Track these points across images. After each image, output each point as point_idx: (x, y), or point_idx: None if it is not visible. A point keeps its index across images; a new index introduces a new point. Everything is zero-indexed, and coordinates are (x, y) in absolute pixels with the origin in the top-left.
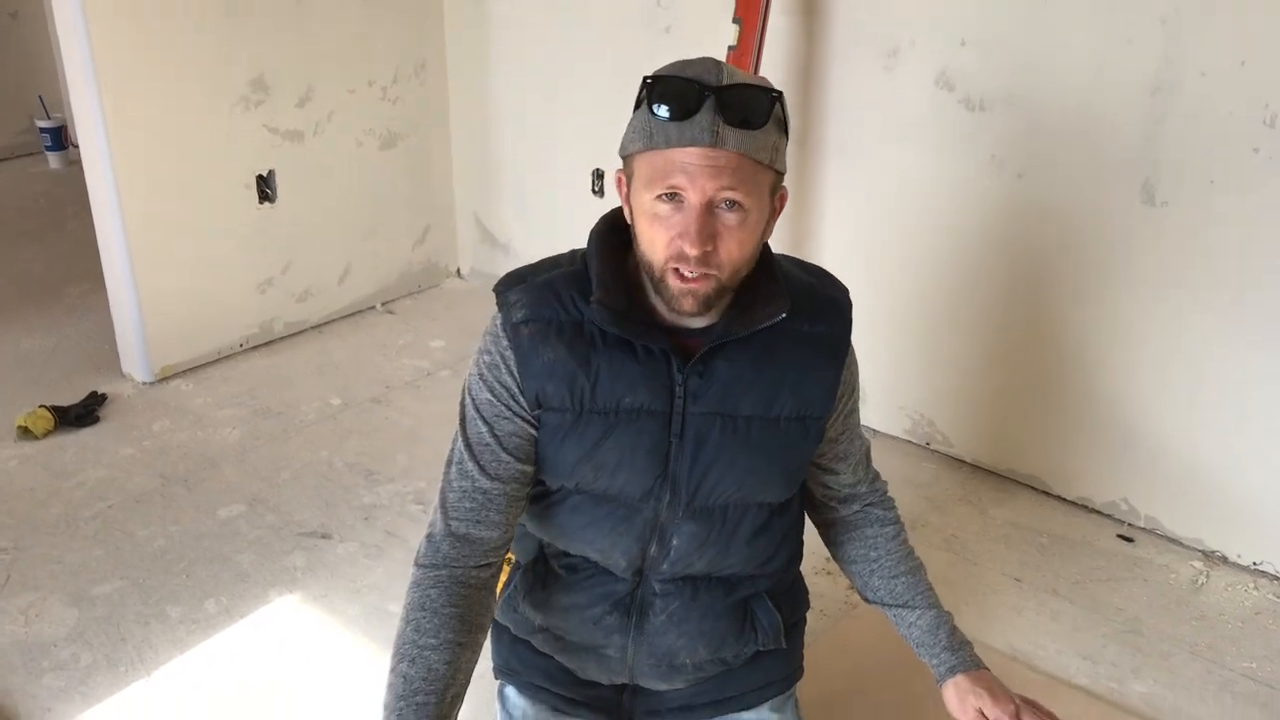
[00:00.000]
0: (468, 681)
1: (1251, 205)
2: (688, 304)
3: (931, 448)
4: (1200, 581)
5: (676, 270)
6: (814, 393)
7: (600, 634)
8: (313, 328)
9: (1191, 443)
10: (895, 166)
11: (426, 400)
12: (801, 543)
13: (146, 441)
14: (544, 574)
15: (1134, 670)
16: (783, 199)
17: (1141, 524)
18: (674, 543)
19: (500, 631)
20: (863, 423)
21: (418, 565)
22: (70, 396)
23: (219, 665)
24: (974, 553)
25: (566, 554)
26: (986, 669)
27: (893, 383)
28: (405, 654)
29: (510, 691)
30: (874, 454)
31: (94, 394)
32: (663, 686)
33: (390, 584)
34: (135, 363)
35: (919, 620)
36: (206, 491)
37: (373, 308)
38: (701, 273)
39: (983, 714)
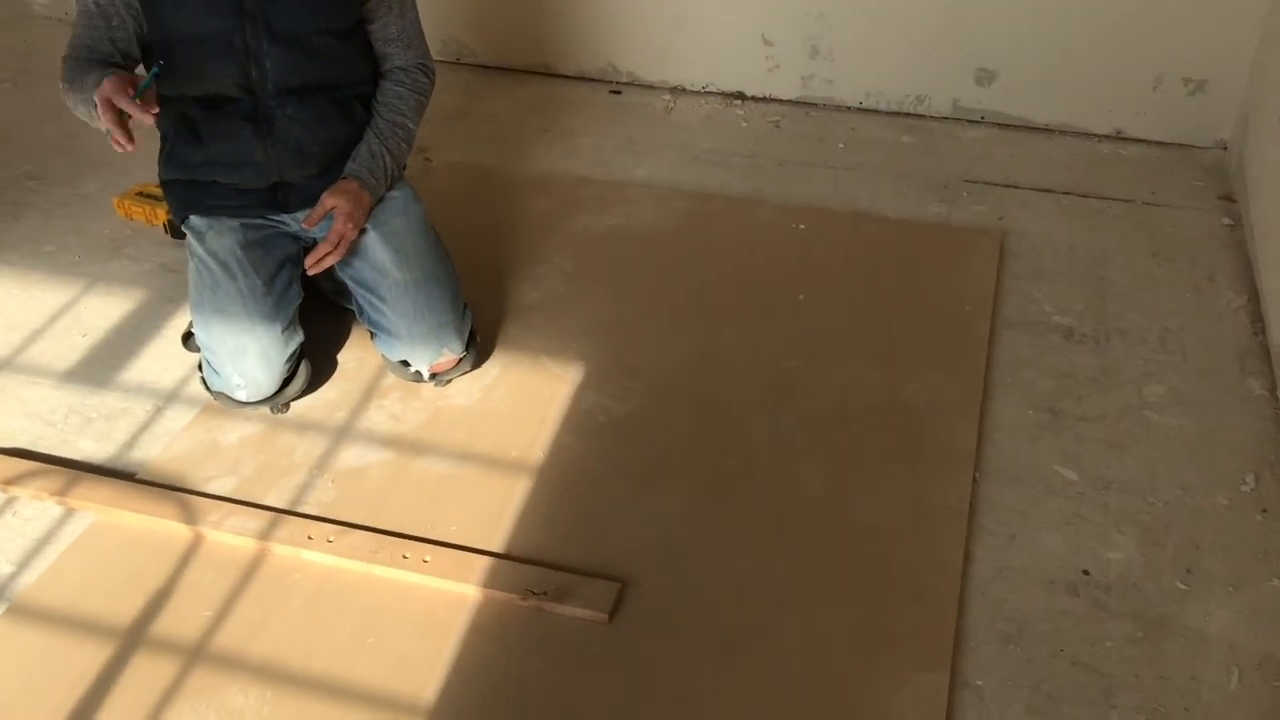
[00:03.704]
0: None
1: None
2: None
3: (463, 61)
4: (670, 107)
5: None
6: None
7: (244, 146)
8: None
9: (655, 8)
10: None
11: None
12: (376, 69)
13: None
14: (189, 123)
15: (635, 163)
16: None
17: (625, 79)
18: (267, 65)
19: (170, 185)
20: None
21: (67, 71)
22: None
23: None
24: (507, 122)
25: (195, 98)
26: (357, 182)
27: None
28: (89, 69)
29: (194, 220)
30: None
31: None
32: (302, 173)
33: (35, 234)
34: None
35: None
36: None
37: None
38: None
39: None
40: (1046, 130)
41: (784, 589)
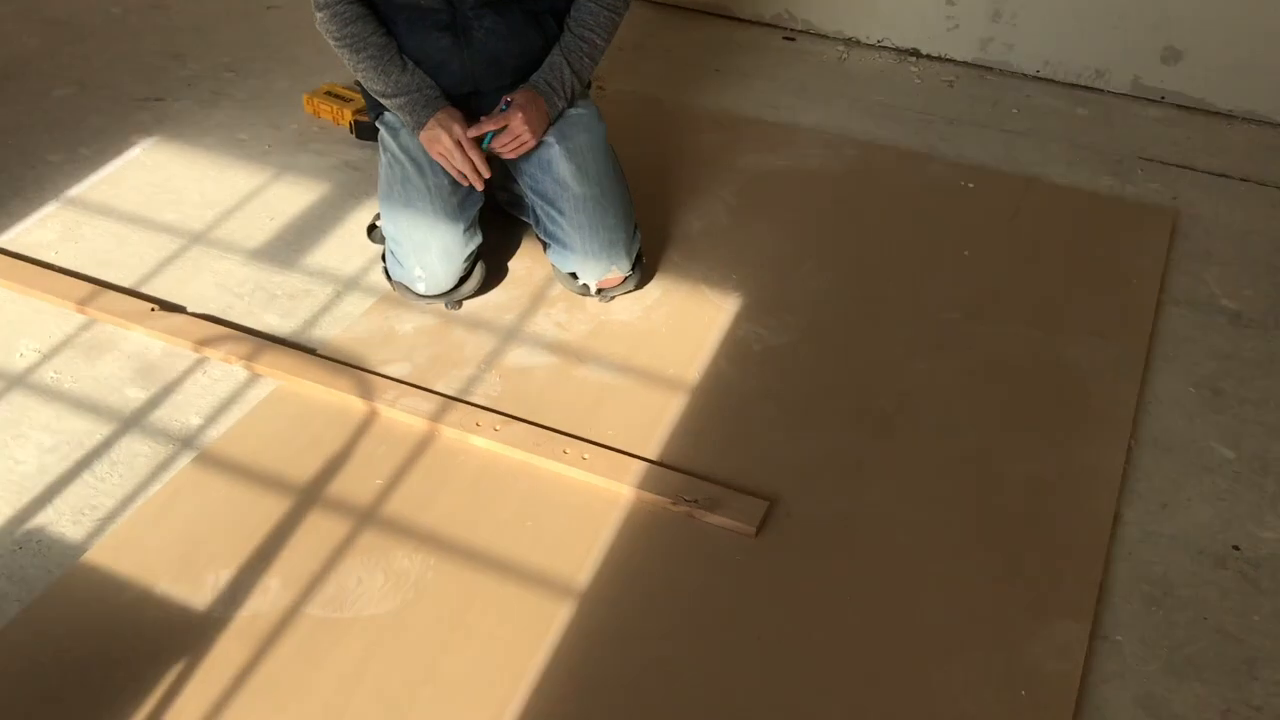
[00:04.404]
0: None
1: None
2: None
3: None
4: (843, 58)
5: None
6: None
7: (443, 54)
8: None
9: None
10: None
11: (201, 2)
12: None
13: None
14: (392, 33)
15: (805, 108)
16: None
17: (799, 27)
18: None
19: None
20: None
21: (332, 11)
22: None
23: (117, 186)
24: (680, 59)
25: (399, 7)
26: (534, 90)
27: None
28: (391, 59)
29: (389, 117)
30: None
31: None
32: (495, 84)
33: (230, 122)
34: None
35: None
36: (32, 82)
37: None
38: None
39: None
40: (1228, 115)
41: (931, 526)
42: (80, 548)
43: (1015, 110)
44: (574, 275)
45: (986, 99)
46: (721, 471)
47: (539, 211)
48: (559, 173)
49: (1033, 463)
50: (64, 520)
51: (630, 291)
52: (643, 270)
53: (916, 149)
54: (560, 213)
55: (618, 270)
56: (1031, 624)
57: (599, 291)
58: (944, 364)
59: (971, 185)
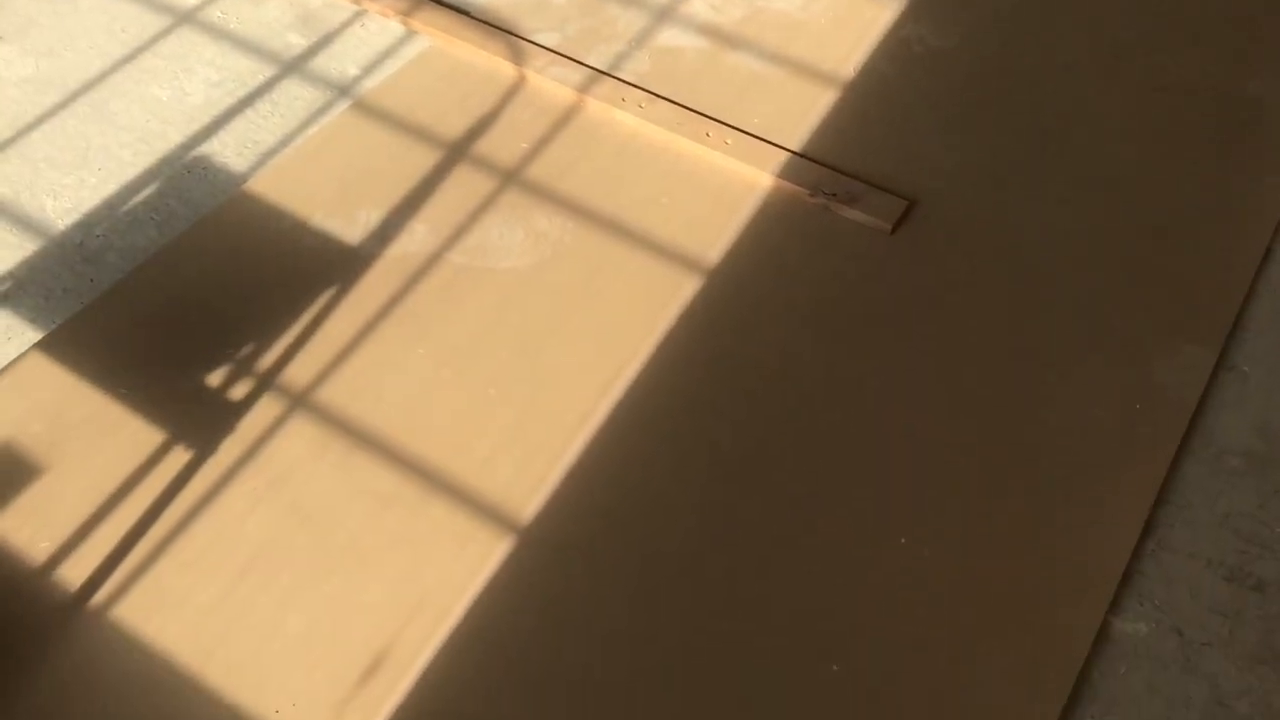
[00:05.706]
0: None
1: None
2: None
3: None
4: None
5: None
6: None
7: None
8: None
9: None
10: None
11: None
12: None
13: None
14: None
15: None
16: None
17: None
18: None
19: None
20: None
21: None
22: None
23: None
24: None
25: None
26: None
27: None
28: None
29: None
30: None
31: None
32: None
33: None
34: None
35: None
36: None
37: None
38: None
39: None
40: None
41: (1074, 241)
42: (243, 177)
43: None
44: None
45: None
46: (865, 169)
47: None
48: None
49: (1193, 188)
50: (228, 151)
51: None
52: None
53: None
54: None
55: None
56: (1159, 344)
57: None
58: (1115, 83)
59: None
